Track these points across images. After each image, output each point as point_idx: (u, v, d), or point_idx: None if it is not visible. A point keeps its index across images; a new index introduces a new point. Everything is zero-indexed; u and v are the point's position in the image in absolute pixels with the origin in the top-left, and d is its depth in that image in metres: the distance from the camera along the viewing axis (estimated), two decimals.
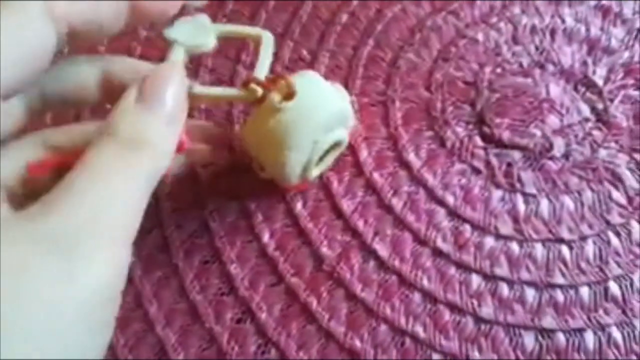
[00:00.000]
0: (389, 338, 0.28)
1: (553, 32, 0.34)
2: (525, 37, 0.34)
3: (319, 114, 0.27)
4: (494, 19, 0.34)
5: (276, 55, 0.33)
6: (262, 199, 0.30)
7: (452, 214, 0.30)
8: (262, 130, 0.26)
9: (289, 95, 0.26)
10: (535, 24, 0.34)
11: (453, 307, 0.28)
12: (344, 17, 0.35)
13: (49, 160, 0.23)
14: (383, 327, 0.28)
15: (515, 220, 0.30)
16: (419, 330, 0.28)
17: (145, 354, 0.28)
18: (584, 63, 0.33)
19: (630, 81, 0.33)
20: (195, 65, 0.34)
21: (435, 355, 0.27)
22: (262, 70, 0.26)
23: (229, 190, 0.31)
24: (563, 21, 0.34)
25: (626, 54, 0.33)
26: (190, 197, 0.31)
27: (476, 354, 0.28)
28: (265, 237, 0.30)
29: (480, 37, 0.34)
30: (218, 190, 0.31)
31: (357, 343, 0.28)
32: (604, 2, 0.35)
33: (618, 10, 0.34)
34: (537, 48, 0.33)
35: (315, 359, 0.27)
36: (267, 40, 0.27)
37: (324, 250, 0.29)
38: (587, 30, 0.34)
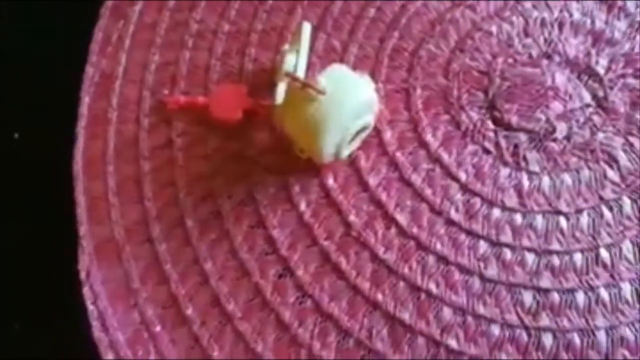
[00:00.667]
0: (406, 293, 0.33)
1: (561, 25, 0.37)
2: (535, 29, 0.37)
3: (350, 103, 0.32)
4: (507, 13, 0.38)
5: (311, 47, 0.37)
6: (299, 174, 0.35)
7: (464, 188, 0.35)
8: (301, 119, 0.31)
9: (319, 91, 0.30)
10: (545, 17, 0.38)
11: (462, 268, 0.33)
12: (372, 12, 0.39)
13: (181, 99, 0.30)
14: (402, 284, 0.33)
15: (520, 194, 0.34)
16: (433, 287, 0.33)
17: (202, 303, 0.34)
18: (588, 54, 0.37)
19: (630, 70, 0.36)
20: (239, 56, 0.38)
21: (445, 309, 0.32)
22: (302, 61, 0.31)
23: (271, 166, 0.36)
24: (570, 15, 0.38)
25: (627, 45, 0.37)
26: (238, 171, 0.36)
27: (481, 308, 0.32)
28: (302, 207, 0.35)
29: (494, 29, 0.38)
30: (262, 166, 0.36)
31: (380, 297, 0.33)
32: None
33: (622, 4, 0.38)
34: (545, 40, 0.37)
35: (344, 309, 0.33)
36: (306, 32, 0.32)
37: (352, 218, 0.34)
38: (592, 23, 0.37)
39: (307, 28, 0.34)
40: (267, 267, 0.34)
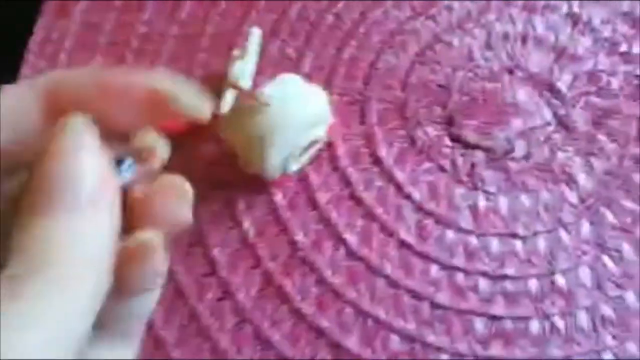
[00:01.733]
0: (352, 319, 0.31)
1: (524, 39, 0.36)
2: (497, 43, 0.36)
3: (298, 115, 0.30)
4: (470, 25, 0.36)
5: (264, 53, 0.35)
6: (245, 189, 0.33)
7: (418, 208, 0.33)
8: (246, 131, 0.29)
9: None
10: (508, 31, 0.36)
11: (413, 293, 0.31)
12: (330, 19, 0.37)
13: None
14: (348, 309, 0.31)
15: (475, 215, 0.33)
16: (381, 313, 0.31)
17: None
18: (551, 70, 0.35)
19: (593, 88, 0.35)
20: (188, 61, 0.36)
21: (393, 336, 0.31)
22: (249, 68, 0.29)
23: (216, 179, 0.34)
24: (534, 29, 0.36)
25: (591, 62, 0.35)
26: None
27: (431, 337, 0.31)
28: (246, 224, 0.33)
29: (455, 41, 0.36)
30: (205, 179, 0.33)
31: (325, 323, 0.31)
32: (575, 11, 0.37)
33: (587, 19, 0.36)
34: (508, 54, 0.36)
35: (286, 335, 0.31)
36: (254, 38, 0.30)
37: (299, 238, 0.32)
38: (556, 38, 0.36)
39: (255, 34, 0.32)
40: (205, 289, 0.32)
